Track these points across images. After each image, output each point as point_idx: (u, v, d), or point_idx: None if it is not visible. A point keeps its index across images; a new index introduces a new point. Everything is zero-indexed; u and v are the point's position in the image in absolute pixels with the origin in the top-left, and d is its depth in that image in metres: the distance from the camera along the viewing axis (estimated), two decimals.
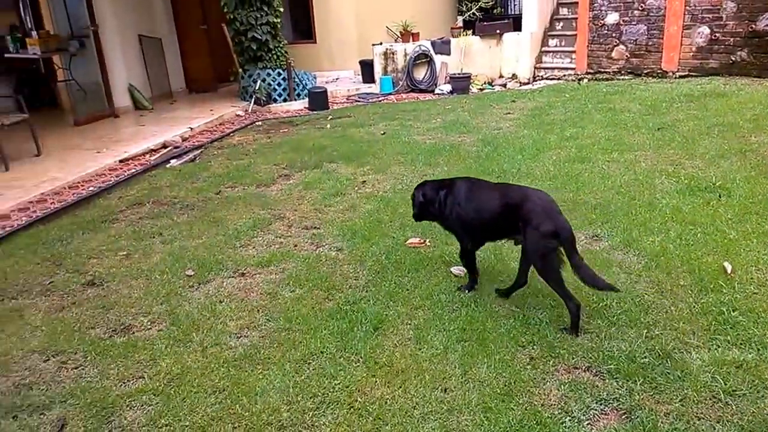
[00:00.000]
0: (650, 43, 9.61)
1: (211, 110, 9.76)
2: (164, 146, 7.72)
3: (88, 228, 5.01)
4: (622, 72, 10.03)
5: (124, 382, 2.95)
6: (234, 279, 3.97)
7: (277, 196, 5.56)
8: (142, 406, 2.77)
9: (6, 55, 11.75)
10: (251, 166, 6.57)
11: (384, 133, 7.70)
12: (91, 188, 6.08)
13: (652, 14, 9.47)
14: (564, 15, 11.52)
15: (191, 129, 8.50)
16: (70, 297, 3.87)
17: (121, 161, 7.02)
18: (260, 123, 9.20)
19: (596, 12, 10.11)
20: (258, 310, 3.55)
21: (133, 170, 6.69)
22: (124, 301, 3.75)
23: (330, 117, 9.21)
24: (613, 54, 10.08)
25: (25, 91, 10.56)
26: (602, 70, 10.29)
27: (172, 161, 7.05)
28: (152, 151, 7.52)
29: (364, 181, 5.76)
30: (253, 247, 4.44)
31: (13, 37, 11.13)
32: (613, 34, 10.02)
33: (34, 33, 10.74)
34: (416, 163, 6.25)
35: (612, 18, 9.96)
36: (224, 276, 4.01)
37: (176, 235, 4.75)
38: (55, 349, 3.28)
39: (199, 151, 7.49)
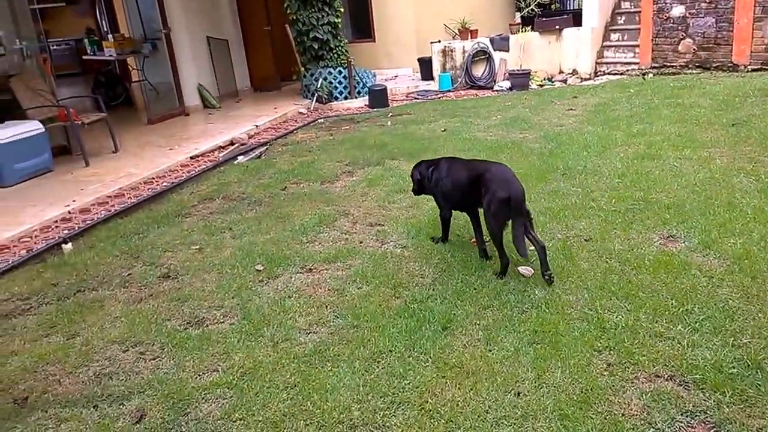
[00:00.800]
0: (719, 36, 9.04)
1: (275, 108, 9.85)
2: (232, 143, 7.83)
3: (162, 222, 5.11)
4: (690, 66, 9.49)
5: (199, 375, 2.96)
6: (302, 275, 3.94)
7: (341, 192, 5.52)
8: (217, 399, 2.77)
9: (84, 57, 12.30)
10: (315, 163, 6.57)
11: (444, 130, 7.56)
12: (164, 184, 6.22)
13: (720, 6, 8.91)
14: (626, 9, 11.01)
15: (257, 126, 8.60)
16: (147, 289, 3.94)
17: (191, 158, 7.16)
18: (322, 120, 9.22)
19: (661, 5, 9.60)
20: (326, 307, 3.50)
21: (203, 166, 6.81)
22: (198, 294, 3.79)
23: (390, 114, 9.13)
24: (680, 47, 9.55)
25: (102, 91, 11.04)
26: (668, 64, 9.78)
27: (240, 158, 7.14)
28: (220, 147, 7.64)
29: None
30: (320, 243, 4.41)
31: (90, 40, 11.62)
32: (679, 27, 9.49)
33: (110, 36, 11.16)
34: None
35: (677, 11, 9.42)
36: (292, 271, 3.99)
37: (245, 230, 4.78)
38: (133, 340, 3.34)
39: (265, 147, 7.56)
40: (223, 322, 3.46)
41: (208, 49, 10.55)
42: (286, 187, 5.79)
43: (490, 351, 2.91)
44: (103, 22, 15.17)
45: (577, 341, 2.88)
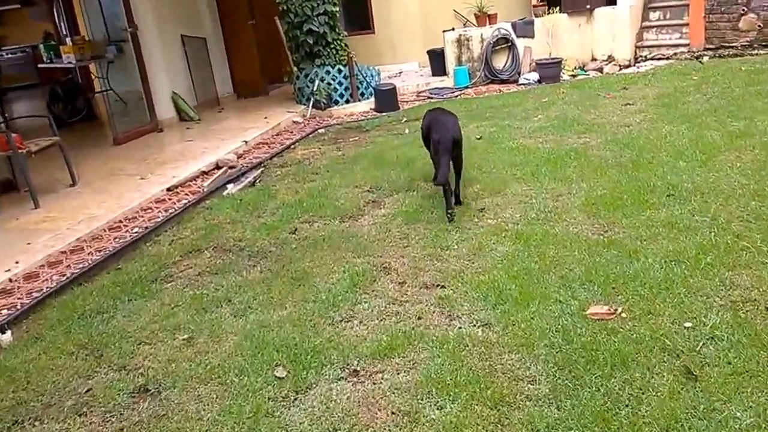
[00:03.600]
0: None
1: (265, 118, 8.62)
2: (217, 166, 6.60)
3: (134, 292, 3.87)
4: (754, 45, 8.40)
5: None
6: (345, 383, 2.74)
7: (372, 233, 4.32)
8: None
9: (40, 66, 10.97)
10: (327, 190, 5.36)
11: (480, 138, 6.38)
12: (136, 229, 4.97)
13: None
14: None
15: (245, 143, 7.37)
16: (116, 418, 2.72)
17: (168, 189, 5.92)
18: (323, 130, 8.01)
19: None
20: None
21: (185, 201, 5.57)
22: (193, 428, 2.57)
23: (404, 119, 7.94)
24: (741, 24, 8.45)
25: (60, 105, 9.76)
26: (726, 44, 8.67)
27: (229, 186, 5.91)
28: (204, 173, 6.41)
29: (482, 209, 4.47)
30: (360, 322, 3.22)
31: (46, 45, 10.29)
32: (739, 1, 8.39)
33: (68, 40, 9.87)
34: (539, 178, 4.92)
35: None
36: (330, 377, 2.79)
37: (250, 301, 3.57)
38: None
39: (259, 171, 6.34)
40: None
41: (182, 49, 9.29)
42: (296, 229, 4.57)
43: None
44: (62, 24, 13.81)
45: None
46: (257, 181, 6.06)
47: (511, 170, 5.22)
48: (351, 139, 7.28)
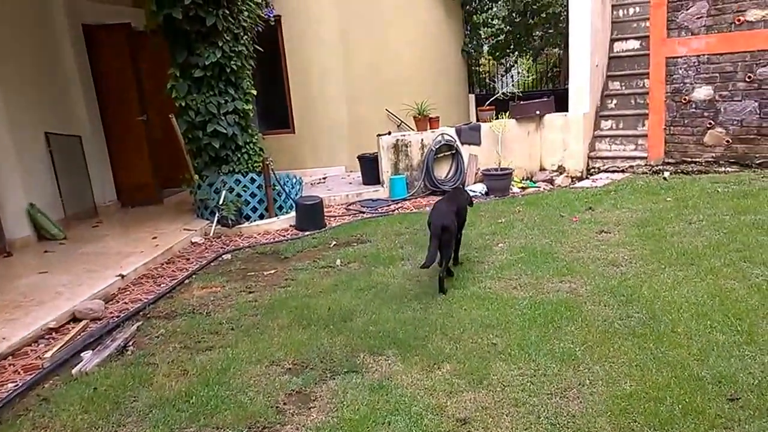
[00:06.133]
0: (764, 125, 7.58)
1: (154, 238, 7.07)
2: (74, 319, 4.95)
3: None
4: (721, 162, 7.94)
5: None
6: None
7: None
8: None
9: None
10: (230, 370, 3.86)
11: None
12: None
13: (765, 86, 7.49)
14: (616, 90, 9.59)
15: (122, 277, 5.77)
16: None
17: None
18: (230, 256, 6.56)
19: (677, 85, 8.13)
20: None
21: (12, 385, 3.87)
22: None
23: (333, 242, 6.66)
24: (706, 139, 8.02)
25: None
26: (688, 159, 8.20)
27: (85, 356, 4.26)
28: (52, 331, 4.73)
29: (465, 419, 3.12)
30: None
31: None
32: (705, 114, 8.00)
33: None
34: (530, 352, 3.72)
35: (702, 93, 7.95)
36: None
37: None
38: None
39: (135, 327, 4.74)
40: None
41: (47, 150, 7.68)
42: None
43: None
44: None
45: None
46: (129, 344, 4.45)
47: (488, 336, 3.98)
48: (266, 273, 5.86)
